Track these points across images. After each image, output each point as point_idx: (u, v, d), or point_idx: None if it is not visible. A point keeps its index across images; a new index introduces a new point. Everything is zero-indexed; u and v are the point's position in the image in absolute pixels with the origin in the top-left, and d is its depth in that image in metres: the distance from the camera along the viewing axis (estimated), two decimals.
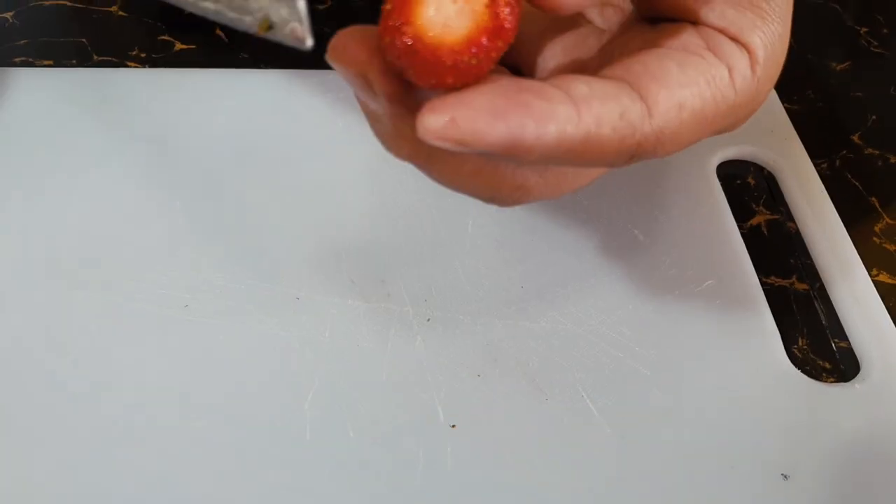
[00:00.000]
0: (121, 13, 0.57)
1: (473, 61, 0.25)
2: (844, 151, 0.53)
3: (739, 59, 0.30)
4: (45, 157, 0.46)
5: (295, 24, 0.27)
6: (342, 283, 0.42)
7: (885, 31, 0.63)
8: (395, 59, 0.25)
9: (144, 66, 0.53)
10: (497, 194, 0.31)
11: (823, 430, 0.39)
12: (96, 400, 0.37)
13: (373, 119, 0.29)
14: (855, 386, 0.41)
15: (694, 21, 0.31)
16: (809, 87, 0.57)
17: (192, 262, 0.42)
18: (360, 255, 0.43)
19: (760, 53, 0.30)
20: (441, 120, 0.25)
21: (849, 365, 0.42)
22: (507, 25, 0.25)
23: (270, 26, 0.27)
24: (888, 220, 0.49)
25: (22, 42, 0.54)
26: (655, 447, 0.38)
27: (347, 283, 0.42)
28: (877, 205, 0.50)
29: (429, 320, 0.41)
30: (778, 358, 0.41)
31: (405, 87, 0.27)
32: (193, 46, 0.55)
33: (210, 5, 0.28)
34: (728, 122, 0.30)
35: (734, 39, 0.30)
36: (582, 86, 0.27)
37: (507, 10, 0.25)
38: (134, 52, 0.54)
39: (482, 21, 0.25)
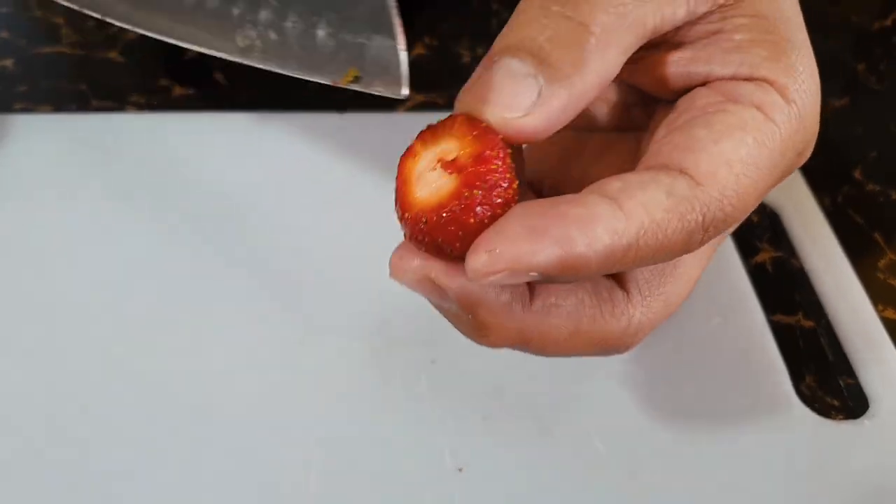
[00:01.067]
0: (119, 58, 0.57)
1: (475, 217, 0.25)
2: (846, 187, 0.53)
3: (764, 95, 0.28)
4: (45, 203, 0.46)
5: (391, 74, 0.26)
6: (345, 326, 0.42)
7: (882, 67, 0.63)
8: (424, 247, 0.26)
9: (143, 111, 0.53)
10: (610, 345, 0.30)
11: (834, 468, 0.38)
12: (100, 444, 0.37)
13: (456, 320, 0.29)
14: (864, 423, 0.40)
15: (703, 82, 0.29)
16: None
17: (193, 307, 0.42)
18: (363, 297, 0.43)
19: (783, 80, 0.28)
20: (482, 257, 0.24)
21: (857, 401, 0.42)
22: (492, 170, 0.25)
23: (357, 77, 0.26)
24: (892, 255, 0.49)
25: (22, 88, 0.54)
26: (664, 488, 0.37)
27: (351, 325, 0.42)
28: (880, 241, 0.50)
29: (433, 362, 0.40)
30: (787, 395, 0.41)
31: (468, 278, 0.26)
32: (192, 90, 0.55)
33: (276, 68, 0.28)
34: (790, 157, 0.29)
35: (749, 80, 0.29)
36: (614, 182, 0.26)
37: (489, 158, 0.25)
38: (133, 97, 0.54)
39: (467, 176, 0.25)
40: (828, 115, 0.58)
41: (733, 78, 0.29)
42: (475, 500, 0.36)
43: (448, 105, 0.54)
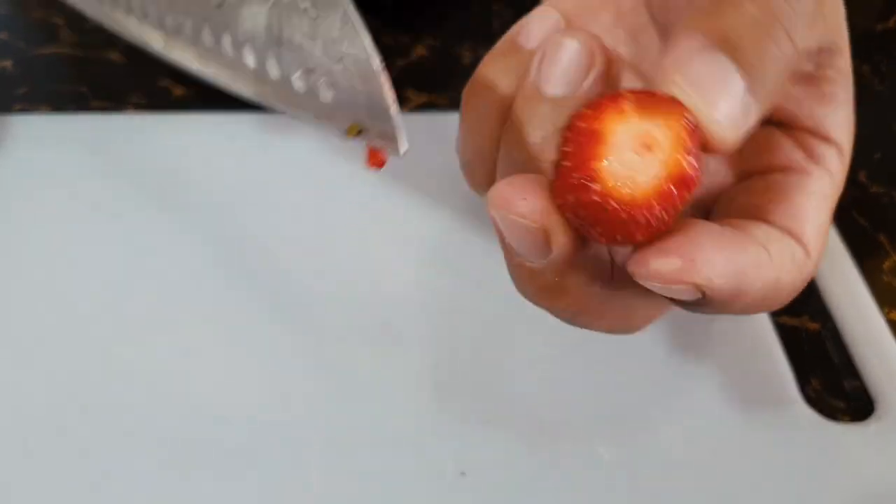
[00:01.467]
0: (119, 59, 0.56)
1: (664, 215, 0.23)
2: (850, 189, 0.52)
3: (837, 161, 0.31)
4: (44, 204, 0.46)
5: (387, 127, 0.27)
6: (349, 329, 0.41)
7: (885, 69, 0.63)
8: (577, 217, 0.24)
9: (143, 112, 0.53)
10: (638, 324, 0.32)
11: (840, 471, 0.38)
12: (102, 449, 0.36)
13: (527, 276, 0.28)
14: (870, 425, 0.40)
15: (782, 121, 0.31)
16: None
17: (194, 308, 0.42)
18: (366, 300, 0.42)
19: (846, 144, 0.31)
20: (675, 263, 0.24)
21: (863, 404, 0.41)
22: (692, 173, 0.23)
23: (360, 131, 0.28)
24: None
25: (21, 90, 0.53)
26: (669, 492, 0.37)
27: (354, 328, 0.41)
28: (885, 243, 0.50)
29: (436, 366, 0.40)
30: (792, 398, 0.40)
31: (579, 241, 0.25)
32: (192, 91, 0.55)
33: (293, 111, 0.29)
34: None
35: (825, 139, 0.30)
36: (757, 230, 0.28)
37: (690, 156, 0.23)
38: (133, 98, 0.54)
39: (671, 170, 0.23)
40: None
41: (814, 133, 0.31)
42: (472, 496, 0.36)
43: (450, 105, 0.54)
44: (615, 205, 0.23)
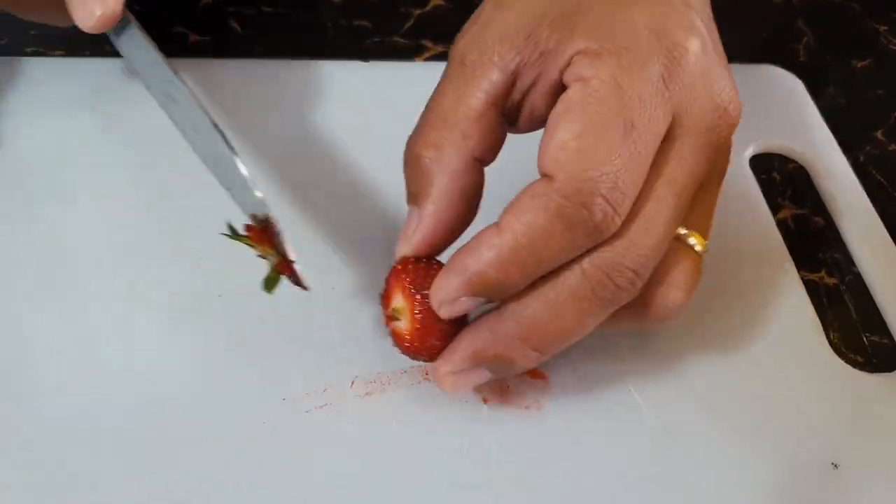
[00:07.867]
0: (134, 6, 0.55)
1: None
2: (868, 147, 0.53)
3: (582, 68, 0.31)
4: (57, 147, 0.45)
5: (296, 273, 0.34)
6: (379, 281, 0.41)
7: None
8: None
9: None
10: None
11: (870, 419, 0.39)
12: (117, 410, 0.36)
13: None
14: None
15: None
16: (831, 84, 0.57)
17: (209, 257, 0.41)
18: (387, 250, 0.42)
19: (593, 45, 0.31)
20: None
21: (882, 358, 0.42)
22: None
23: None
24: None
25: (33, 32, 0.53)
26: (703, 438, 0.37)
27: (377, 280, 0.41)
28: None
29: None
30: (821, 347, 0.41)
31: None
32: (207, 38, 0.54)
33: None
34: (640, 91, 0.30)
35: (570, 82, 0.31)
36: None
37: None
38: None
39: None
40: (850, 77, 0.58)
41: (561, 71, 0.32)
42: (512, 445, 0.36)
43: None
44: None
